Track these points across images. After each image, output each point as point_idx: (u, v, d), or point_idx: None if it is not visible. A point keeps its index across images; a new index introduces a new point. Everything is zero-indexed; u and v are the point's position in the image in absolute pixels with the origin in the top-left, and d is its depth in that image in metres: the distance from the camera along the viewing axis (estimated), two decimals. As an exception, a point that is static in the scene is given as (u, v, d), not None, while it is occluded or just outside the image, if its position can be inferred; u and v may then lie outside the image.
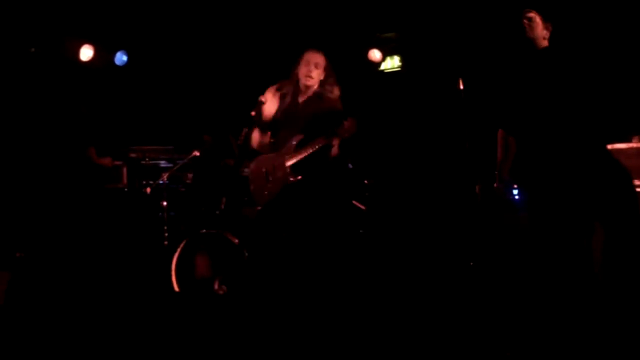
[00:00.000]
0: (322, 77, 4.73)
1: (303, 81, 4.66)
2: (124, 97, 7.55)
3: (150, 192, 6.57)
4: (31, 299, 5.61)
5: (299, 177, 4.64)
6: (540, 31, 4.12)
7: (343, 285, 6.01)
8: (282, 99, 4.77)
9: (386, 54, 7.67)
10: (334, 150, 4.69)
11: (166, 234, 6.49)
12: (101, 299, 5.88)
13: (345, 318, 4.88)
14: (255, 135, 4.90)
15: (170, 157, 6.97)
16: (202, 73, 7.57)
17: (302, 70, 4.68)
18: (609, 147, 5.38)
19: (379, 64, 7.71)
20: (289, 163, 4.65)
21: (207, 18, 6.97)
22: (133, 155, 6.79)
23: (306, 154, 4.61)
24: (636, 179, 5.25)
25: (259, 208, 4.88)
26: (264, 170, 4.74)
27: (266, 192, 4.72)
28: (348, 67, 7.62)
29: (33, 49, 6.89)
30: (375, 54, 7.65)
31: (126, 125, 7.33)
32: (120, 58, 7.29)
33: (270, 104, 4.78)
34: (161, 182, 6.57)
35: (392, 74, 7.70)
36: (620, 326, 3.77)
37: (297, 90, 4.69)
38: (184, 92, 7.66)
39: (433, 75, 7.25)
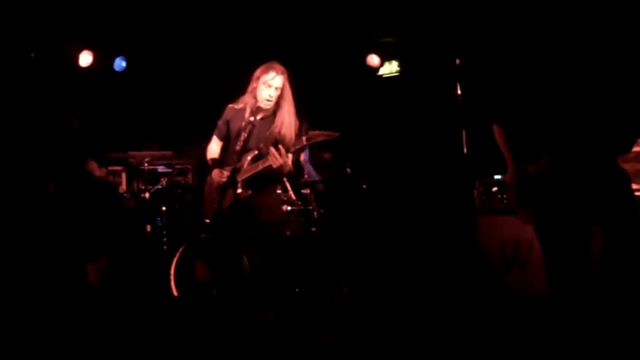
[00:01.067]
0: (279, 95, 4.72)
1: (263, 104, 4.66)
2: (123, 103, 7.55)
3: (149, 197, 6.58)
4: (29, 302, 5.62)
5: (249, 192, 4.69)
6: None
7: (338, 287, 6.03)
8: (240, 114, 4.78)
9: (385, 59, 7.68)
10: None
11: (165, 239, 6.49)
12: (101, 303, 5.89)
13: (340, 319, 4.89)
14: (213, 146, 4.99)
15: (169, 163, 6.97)
16: (201, 78, 7.58)
17: (262, 93, 4.67)
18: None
19: (377, 69, 7.72)
20: (241, 177, 4.69)
21: (206, 24, 6.98)
22: (132, 160, 6.79)
23: (258, 169, 4.65)
24: (636, 183, 5.26)
25: (208, 221, 4.94)
26: (216, 185, 4.78)
27: (216, 206, 4.74)
28: (346, 72, 7.65)
29: (33, 54, 6.89)
30: (373, 59, 7.66)
31: (125, 130, 7.33)
32: (120, 64, 7.30)
33: (231, 118, 4.86)
34: (160, 187, 6.58)
35: (391, 79, 7.71)
36: (618, 328, 3.78)
37: (255, 107, 4.68)
38: (183, 97, 7.67)
39: (431, 80, 7.26)
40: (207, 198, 4.97)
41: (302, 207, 6.39)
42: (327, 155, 7.10)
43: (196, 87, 7.59)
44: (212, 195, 4.85)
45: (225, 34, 7.14)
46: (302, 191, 6.48)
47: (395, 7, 6.71)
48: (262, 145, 4.72)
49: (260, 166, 4.62)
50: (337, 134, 4.44)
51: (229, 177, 4.66)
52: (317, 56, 7.39)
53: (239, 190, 4.67)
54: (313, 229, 6.37)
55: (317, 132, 4.45)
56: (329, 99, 7.50)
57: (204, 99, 7.32)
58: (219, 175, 4.72)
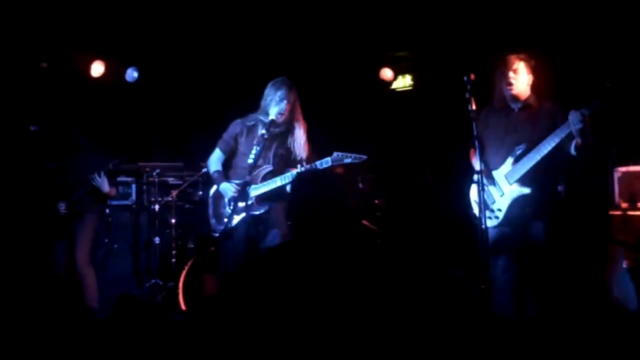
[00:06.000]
0: (291, 112, 4.74)
1: (276, 118, 4.67)
2: (134, 114, 7.53)
3: (159, 209, 6.53)
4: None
5: (263, 209, 4.65)
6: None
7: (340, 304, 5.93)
8: (251, 130, 4.80)
9: (398, 72, 7.64)
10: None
11: (174, 252, 6.44)
12: (108, 316, 5.82)
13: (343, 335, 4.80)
14: (216, 158, 4.98)
15: (179, 174, 6.93)
16: (213, 90, 7.55)
17: (274, 108, 4.70)
18: (624, 169, 5.34)
19: (390, 82, 7.67)
20: (255, 194, 4.66)
21: (219, 36, 6.96)
22: (142, 172, 6.76)
23: (272, 187, 4.65)
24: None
25: (216, 234, 4.89)
26: (227, 198, 4.76)
27: (226, 219, 4.72)
28: (360, 86, 7.60)
29: (44, 64, 6.89)
30: (387, 73, 7.61)
31: (136, 141, 7.30)
32: (131, 74, 7.28)
33: (240, 133, 4.87)
34: (170, 199, 6.53)
35: (404, 93, 7.66)
36: None
37: (268, 123, 4.68)
38: (194, 108, 7.64)
39: (444, 94, 7.19)
40: (214, 212, 4.93)
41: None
42: (338, 170, 7.03)
43: (208, 98, 7.57)
44: (220, 208, 4.80)
45: (238, 46, 7.11)
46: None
47: (410, 21, 6.66)
48: (276, 162, 4.71)
49: (279, 183, 4.59)
50: (364, 157, 4.39)
51: (239, 191, 4.63)
52: (331, 70, 7.36)
53: (254, 207, 4.65)
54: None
55: (343, 154, 4.40)
56: (341, 112, 7.46)
57: (215, 110, 7.30)
58: (229, 189, 4.69)
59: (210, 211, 4.92)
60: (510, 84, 4.49)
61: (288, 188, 4.66)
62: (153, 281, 6.47)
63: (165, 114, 7.64)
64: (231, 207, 4.68)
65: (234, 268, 4.73)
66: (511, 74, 4.48)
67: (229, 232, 4.70)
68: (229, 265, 4.76)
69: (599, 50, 5.78)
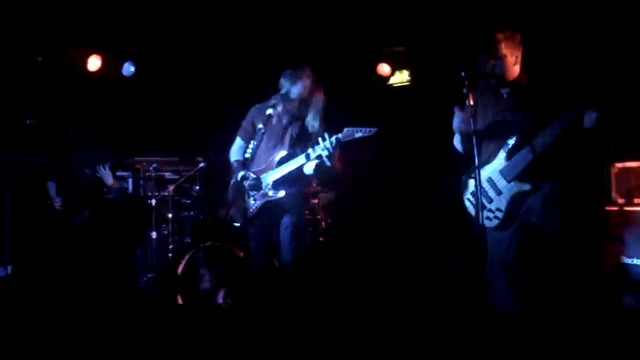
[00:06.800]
0: (308, 95, 4.76)
1: (294, 104, 4.71)
2: (131, 108, 7.52)
3: (156, 204, 6.53)
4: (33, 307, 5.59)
5: (282, 193, 4.64)
6: None
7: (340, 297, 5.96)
8: (268, 115, 4.75)
9: (395, 68, 7.64)
10: (307, 168, 4.67)
11: (171, 246, 6.44)
12: (106, 310, 5.83)
13: (342, 327, 4.82)
14: (237, 148, 4.97)
15: (176, 169, 6.92)
16: (210, 84, 7.55)
17: (293, 91, 4.70)
18: (620, 164, 5.34)
19: (387, 78, 7.67)
20: (271, 179, 4.65)
21: (215, 31, 6.96)
22: (138, 166, 6.76)
23: (287, 170, 4.63)
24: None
25: (237, 224, 4.87)
26: (245, 187, 4.74)
27: (247, 208, 4.72)
28: (357, 81, 7.60)
29: (39, 58, 6.87)
30: (384, 68, 7.61)
31: (132, 136, 7.29)
32: (128, 69, 7.27)
33: (257, 119, 4.83)
34: (166, 194, 6.53)
35: (401, 89, 7.66)
36: None
37: (284, 108, 4.70)
38: (192, 102, 7.63)
39: (442, 90, 7.19)
40: (234, 202, 4.91)
41: (309, 217, 6.33)
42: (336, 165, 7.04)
43: (204, 93, 7.56)
44: (239, 198, 4.80)
45: (234, 41, 7.11)
46: (310, 200, 6.41)
47: (407, 17, 6.67)
48: (292, 145, 4.73)
49: (293, 165, 4.59)
50: (375, 129, 4.36)
51: (256, 179, 4.64)
52: (327, 65, 7.35)
53: (271, 193, 4.63)
54: (321, 239, 6.31)
55: (353, 128, 4.39)
56: (338, 107, 7.45)
57: (212, 104, 7.29)
58: (246, 178, 4.69)
59: (231, 201, 4.91)
60: (494, 69, 4.19)
61: (306, 170, 4.64)
62: (149, 276, 6.47)
63: (162, 108, 7.63)
64: (250, 195, 4.68)
65: (257, 259, 4.73)
66: (494, 59, 4.17)
67: (249, 221, 4.70)
68: (253, 257, 4.76)
69: (598, 48, 5.78)
